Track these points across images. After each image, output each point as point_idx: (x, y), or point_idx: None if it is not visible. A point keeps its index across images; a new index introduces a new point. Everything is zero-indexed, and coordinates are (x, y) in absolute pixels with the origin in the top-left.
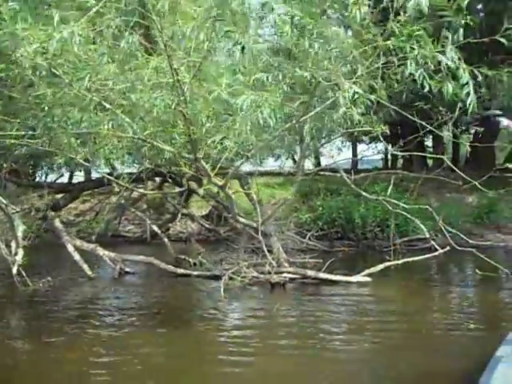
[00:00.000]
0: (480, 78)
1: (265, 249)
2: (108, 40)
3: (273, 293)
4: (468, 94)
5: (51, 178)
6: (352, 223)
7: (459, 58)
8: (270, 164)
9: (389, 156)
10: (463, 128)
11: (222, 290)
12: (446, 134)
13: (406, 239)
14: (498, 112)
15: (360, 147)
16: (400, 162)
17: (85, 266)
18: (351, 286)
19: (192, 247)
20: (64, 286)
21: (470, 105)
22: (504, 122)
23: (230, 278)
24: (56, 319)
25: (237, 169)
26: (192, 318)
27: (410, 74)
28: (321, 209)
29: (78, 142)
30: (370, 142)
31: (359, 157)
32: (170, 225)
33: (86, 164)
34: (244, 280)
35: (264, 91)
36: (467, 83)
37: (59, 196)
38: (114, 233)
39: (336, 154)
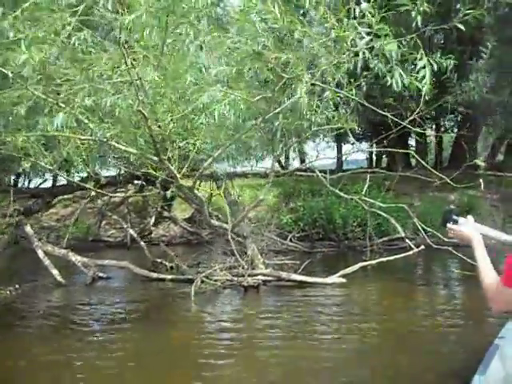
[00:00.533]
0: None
1: (235, 251)
2: (60, 37)
3: (246, 295)
4: (424, 77)
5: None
6: (333, 224)
7: (418, 46)
8: (255, 165)
9: (373, 156)
10: (446, 128)
11: (192, 293)
12: (430, 133)
13: (386, 239)
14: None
15: (346, 147)
16: (385, 161)
17: (55, 272)
18: (328, 287)
19: (174, 250)
20: (33, 294)
21: (423, 88)
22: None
23: (202, 282)
24: (27, 326)
25: (204, 170)
26: (164, 320)
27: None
28: (302, 209)
29: (38, 145)
30: (354, 143)
31: (344, 157)
32: (153, 228)
33: (49, 167)
34: (216, 283)
35: (228, 88)
36: (424, 67)
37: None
38: (95, 237)
39: (320, 154)
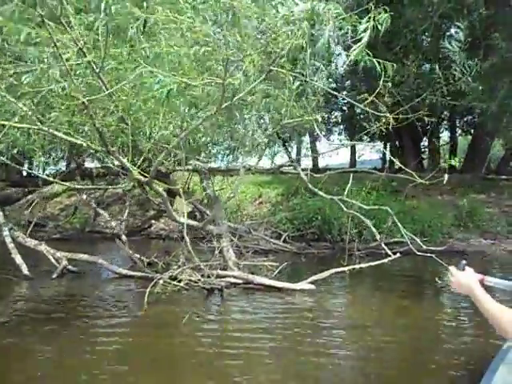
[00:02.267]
0: None
1: (192, 252)
2: None
3: (208, 298)
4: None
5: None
6: (328, 224)
7: None
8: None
9: (387, 156)
10: (463, 129)
11: (146, 294)
12: (445, 134)
13: (383, 241)
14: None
15: (360, 147)
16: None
17: (20, 263)
18: (297, 292)
19: (171, 245)
20: None
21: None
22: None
23: (164, 282)
24: None
25: (158, 165)
26: (113, 323)
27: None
28: (298, 208)
29: None
30: (369, 141)
31: (357, 156)
32: (153, 222)
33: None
34: (178, 284)
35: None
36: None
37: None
38: (92, 229)
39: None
